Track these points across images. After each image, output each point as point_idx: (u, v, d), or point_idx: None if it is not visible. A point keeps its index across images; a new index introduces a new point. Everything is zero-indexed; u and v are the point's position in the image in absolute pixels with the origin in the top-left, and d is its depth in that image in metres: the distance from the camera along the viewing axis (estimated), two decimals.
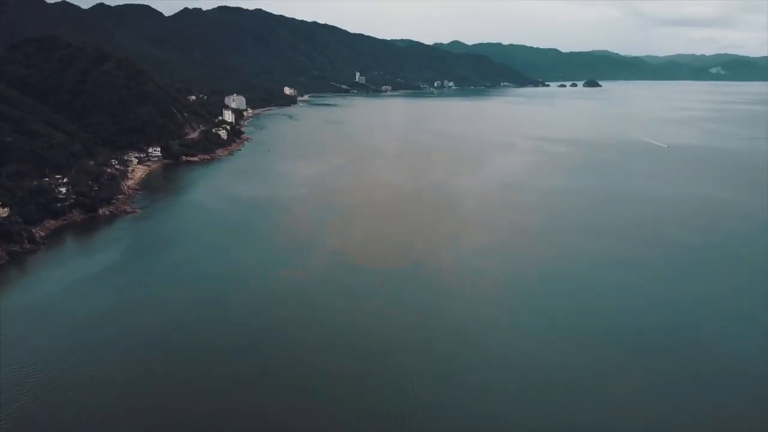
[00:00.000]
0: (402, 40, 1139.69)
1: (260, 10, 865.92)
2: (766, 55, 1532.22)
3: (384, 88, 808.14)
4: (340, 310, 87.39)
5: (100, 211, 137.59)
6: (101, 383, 66.74)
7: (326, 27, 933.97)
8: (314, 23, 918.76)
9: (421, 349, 75.74)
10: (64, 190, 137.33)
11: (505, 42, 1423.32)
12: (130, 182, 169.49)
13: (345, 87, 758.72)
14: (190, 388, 66.40)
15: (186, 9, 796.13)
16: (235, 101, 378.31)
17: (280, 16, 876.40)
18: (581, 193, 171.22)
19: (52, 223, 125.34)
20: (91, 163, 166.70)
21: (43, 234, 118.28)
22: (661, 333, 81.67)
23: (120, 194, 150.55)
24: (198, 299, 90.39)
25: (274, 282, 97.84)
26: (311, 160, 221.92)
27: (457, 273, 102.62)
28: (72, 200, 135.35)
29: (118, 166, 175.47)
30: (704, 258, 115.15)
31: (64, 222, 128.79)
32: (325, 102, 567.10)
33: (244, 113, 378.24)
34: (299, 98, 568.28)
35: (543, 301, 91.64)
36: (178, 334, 79.08)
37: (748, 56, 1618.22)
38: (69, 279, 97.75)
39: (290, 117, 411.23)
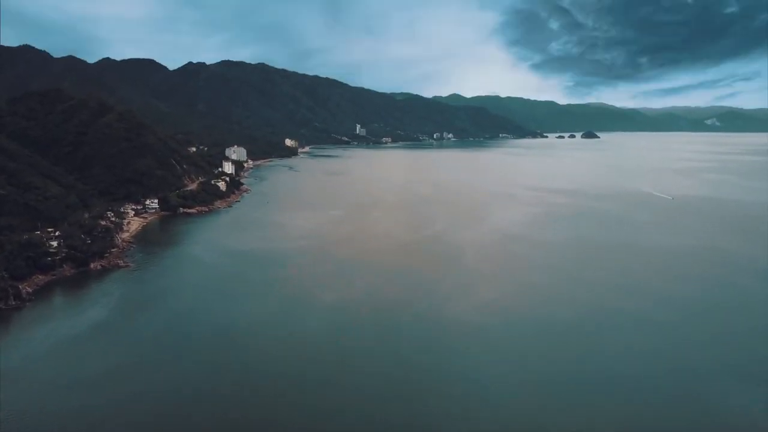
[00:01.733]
0: (401, 93, 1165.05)
1: (263, 64, 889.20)
2: (760, 107, 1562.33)
3: (384, 139, 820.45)
4: (340, 366, 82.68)
5: (92, 265, 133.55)
6: None
7: (328, 81, 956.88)
8: (316, 77, 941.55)
9: (420, 408, 70.86)
10: (55, 243, 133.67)
11: (503, 94, 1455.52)
12: (125, 235, 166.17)
13: (346, 139, 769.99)
14: None
15: (190, 63, 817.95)
16: (236, 153, 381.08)
17: (283, 70, 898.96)
18: (585, 246, 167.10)
19: (40, 278, 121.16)
20: (86, 215, 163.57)
21: (30, 290, 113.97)
22: (662, 387, 78.12)
23: (114, 248, 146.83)
24: (189, 361, 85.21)
25: (270, 340, 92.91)
26: (310, 211, 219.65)
27: (458, 326, 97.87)
28: (63, 254, 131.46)
29: (113, 219, 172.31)
30: (710, 310, 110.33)
31: (54, 277, 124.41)
32: (326, 153, 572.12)
33: (245, 164, 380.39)
34: (300, 150, 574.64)
35: (546, 355, 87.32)
36: (167, 398, 73.85)
37: (742, 108, 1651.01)
38: (53, 338, 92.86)
39: (290, 168, 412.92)
